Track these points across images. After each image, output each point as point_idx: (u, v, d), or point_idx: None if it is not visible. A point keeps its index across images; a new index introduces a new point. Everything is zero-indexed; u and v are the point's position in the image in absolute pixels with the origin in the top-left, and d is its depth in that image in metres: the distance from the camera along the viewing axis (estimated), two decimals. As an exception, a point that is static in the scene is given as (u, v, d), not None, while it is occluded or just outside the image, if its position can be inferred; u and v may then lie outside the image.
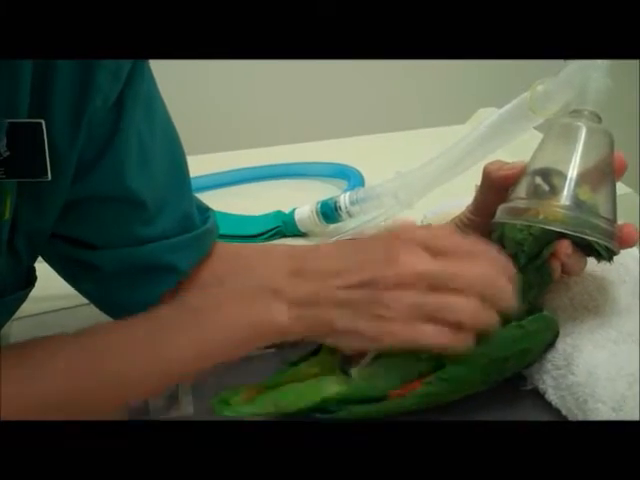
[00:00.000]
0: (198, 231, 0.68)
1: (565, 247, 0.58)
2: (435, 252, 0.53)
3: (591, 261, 0.61)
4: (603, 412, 0.55)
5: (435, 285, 0.53)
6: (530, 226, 0.58)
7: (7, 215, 0.56)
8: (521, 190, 0.59)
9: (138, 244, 0.64)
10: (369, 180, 1.01)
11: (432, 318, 0.53)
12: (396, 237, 0.55)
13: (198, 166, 1.05)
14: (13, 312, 0.64)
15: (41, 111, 0.54)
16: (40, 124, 0.53)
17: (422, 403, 0.59)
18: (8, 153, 0.53)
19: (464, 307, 0.53)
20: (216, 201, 0.97)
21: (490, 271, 0.54)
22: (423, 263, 0.53)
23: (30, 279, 0.64)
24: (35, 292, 0.74)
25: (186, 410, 0.65)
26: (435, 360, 0.58)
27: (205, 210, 0.71)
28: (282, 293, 0.54)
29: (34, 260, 0.63)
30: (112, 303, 0.68)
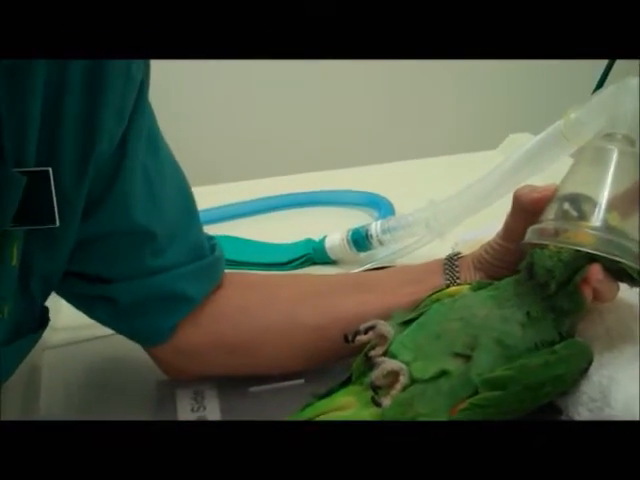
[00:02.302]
0: (209, 259, 0.69)
1: (596, 272, 0.57)
2: None
3: (625, 289, 0.60)
4: (642, 446, 0.54)
5: None
6: (560, 252, 0.58)
7: (14, 261, 0.56)
8: (550, 213, 0.59)
9: (151, 275, 0.64)
10: (399, 207, 1.00)
11: None
12: None
13: (228, 194, 1.06)
14: (24, 355, 0.64)
15: (49, 158, 0.55)
16: (47, 172, 0.54)
17: None
18: None
19: None
20: (246, 229, 0.98)
21: None
22: None
23: (43, 321, 0.65)
24: (66, 322, 0.75)
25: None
26: (469, 387, 0.57)
27: (210, 238, 0.71)
28: None
29: (46, 299, 0.64)
30: (128, 330, 0.69)
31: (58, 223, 0.56)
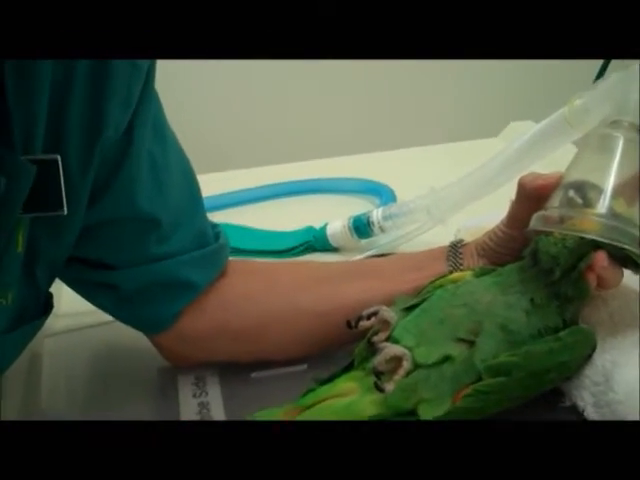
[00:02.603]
0: (213, 246, 0.69)
1: (601, 259, 0.57)
2: None
3: (629, 276, 0.60)
4: (645, 430, 0.54)
5: None
6: (564, 239, 0.57)
7: (20, 248, 0.57)
8: (555, 200, 0.59)
9: (154, 261, 0.64)
10: (400, 194, 1.00)
11: None
12: None
13: (229, 181, 1.06)
14: (28, 342, 0.64)
15: (56, 146, 0.55)
16: (56, 160, 0.54)
17: (459, 417, 0.58)
18: None
19: None
20: (247, 216, 0.98)
21: None
22: None
23: (47, 307, 0.65)
24: (67, 308, 0.75)
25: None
26: (472, 373, 0.57)
27: (215, 226, 0.71)
28: None
29: (50, 285, 0.64)
30: (132, 318, 0.69)
31: (66, 210, 0.56)
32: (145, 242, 0.64)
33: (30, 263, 0.59)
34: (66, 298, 0.73)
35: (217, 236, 0.70)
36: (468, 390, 0.57)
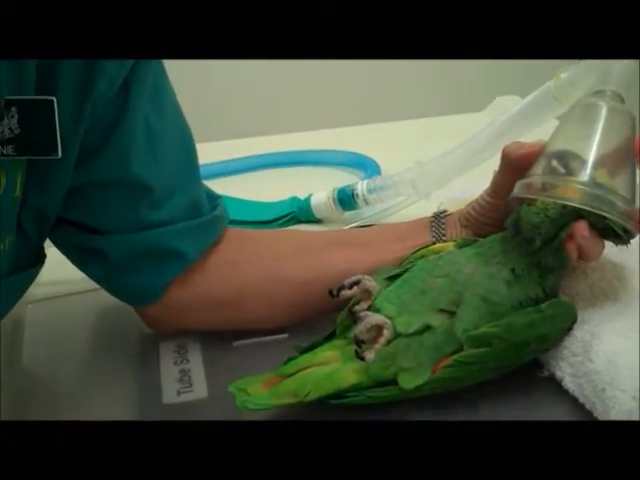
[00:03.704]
0: (206, 217, 0.68)
1: (582, 228, 0.57)
2: None
3: (611, 251, 0.60)
4: (622, 400, 0.54)
5: None
6: (546, 208, 0.58)
7: (18, 192, 0.56)
8: (538, 169, 0.59)
9: (144, 229, 0.64)
10: (385, 168, 1.00)
11: None
12: None
13: (214, 152, 1.05)
14: (24, 290, 0.64)
15: (47, 91, 0.54)
16: (52, 101, 0.54)
17: (439, 387, 0.58)
18: (19, 130, 0.53)
19: None
20: (232, 187, 0.97)
21: None
22: None
23: (39, 257, 0.64)
24: (49, 276, 0.75)
25: (200, 393, 0.65)
26: (453, 343, 0.58)
27: (215, 198, 0.71)
28: None
29: (42, 241, 0.64)
30: (121, 288, 0.69)
31: (60, 154, 0.55)
32: (135, 208, 0.63)
33: (19, 210, 0.58)
34: (48, 266, 0.72)
35: (215, 207, 0.70)
36: (448, 360, 0.58)
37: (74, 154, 0.58)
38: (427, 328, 0.59)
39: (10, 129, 0.53)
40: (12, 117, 0.53)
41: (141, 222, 0.64)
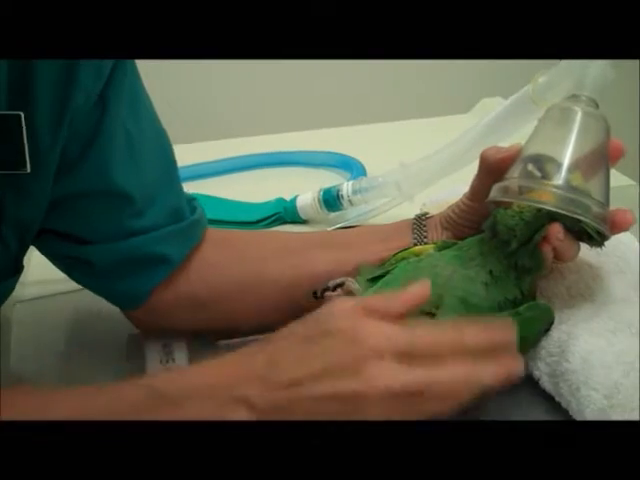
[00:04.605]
0: (188, 221, 0.69)
1: (556, 230, 0.58)
2: (408, 358, 0.49)
3: (588, 253, 0.62)
4: (595, 399, 0.56)
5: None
6: (522, 211, 0.59)
7: None
8: (514, 172, 0.60)
9: (129, 237, 0.65)
10: (370, 169, 1.01)
11: None
12: (362, 340, 0.49)
13: (201, 153, 1.06)
14: (4, 300, 0.65)
15: (21, 107, 0.54)
16: (19, 116, 0.54)
17: None
18: None
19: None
20: (217, 188, 0.98)
21: (469, 374, 0.50)
22: (391, 378, 0.48)
23: (18, 267, 0.64)
24: (37, 275, 0.76)
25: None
26: None
27: (192, 199, 0.71)
28: (253, 405, 0.50)
29: (23, 251, 0.64)
30: (106, 293, 0.69)
31: (29, 169, 0.55)
32: (119, 217, 0.64)
33: None
34: (35, 266, 0.73)
35: (193, 210, 0.70)
36: None
37: (53, 167, 0.58)
38: None
39: None
40: None
41: (125, 230, 0.64)
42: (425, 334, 0.51)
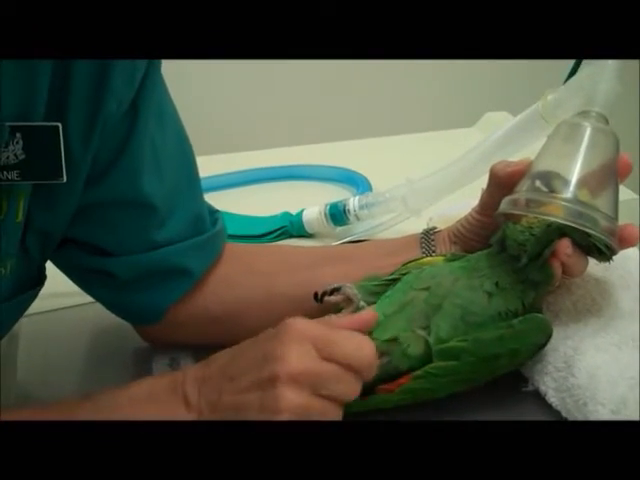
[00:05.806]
0: (210, 233, 0.69)
1: (565, 246, 0.58)
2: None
3: (594, 268, 0.62)
4: (602, 414, 0.56)
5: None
6: (531, 227, 0.59)
7: (20, 217, 0.56)
8: (524, 186, 0.60)
9: (151, 249, 0.64)
10: (376, 182, 1.01)
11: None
12: (288, 332, 0.54)
13: (207, 166, 1.06)
14: (24, 310, 0.65)
15: (57, 114, 0.55)
16: (57, 127, 0.54)
17: (410, 398, 0.59)
18: (24, 156, 0.54)
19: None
20: (224, 201, 0.97)
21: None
22: (305, 362, 0.52)
23: (41, 278, 0.64)
24: (44, 289, 0.75)
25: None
26: (424, 355, 0.59)
27: (214, 212, 0.71)
28: (190, 402, 0.54)
29: (45, 261, 0.64)
30: (125, 308, 0.69)
31: (65, 179, 0.55)
32: (144, 228, 0.64)
33: (24, 231, 0.58)
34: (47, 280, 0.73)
35: (214, 222, 0.70)
36: (419, 372, 0.59)
37: (83, 176, 0.58)
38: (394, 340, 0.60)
39: (15, 155, 0.53)
40: (17, 143, 0.53)
41: (148, 242, 0.64)
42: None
